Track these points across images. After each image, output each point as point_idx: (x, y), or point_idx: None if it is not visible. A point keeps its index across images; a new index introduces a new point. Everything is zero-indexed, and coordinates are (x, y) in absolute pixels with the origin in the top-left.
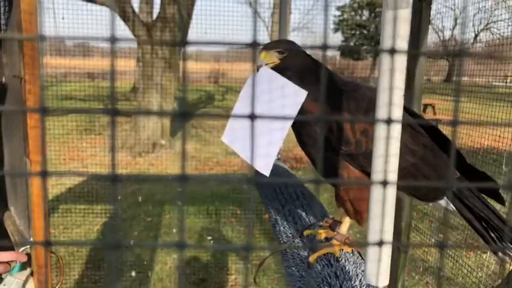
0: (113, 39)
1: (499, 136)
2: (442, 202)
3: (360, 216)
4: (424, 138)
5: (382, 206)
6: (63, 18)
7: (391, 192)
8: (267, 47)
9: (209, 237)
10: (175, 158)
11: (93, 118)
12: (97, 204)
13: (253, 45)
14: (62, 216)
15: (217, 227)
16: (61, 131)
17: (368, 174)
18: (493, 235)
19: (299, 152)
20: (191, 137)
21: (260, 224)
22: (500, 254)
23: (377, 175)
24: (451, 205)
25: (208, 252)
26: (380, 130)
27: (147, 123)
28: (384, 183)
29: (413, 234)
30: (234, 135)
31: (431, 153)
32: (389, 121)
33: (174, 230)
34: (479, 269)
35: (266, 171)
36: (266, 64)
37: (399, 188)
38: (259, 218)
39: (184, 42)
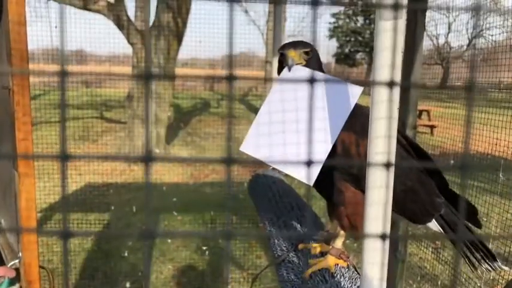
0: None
1: (497, 139)
2: (431, 224)
3: (355, 229)
4: (415, 162)
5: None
6: (56, 27)
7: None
8: (294, 46)
9: (204, 247)
10: (170, 167)
11: (88, 125)
12: (91, 213)
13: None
14: (55, 227)
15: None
16: (55, 139)
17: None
18: (469, 253)
19: None
20: (186, 144)
21: (256, 230)
22: (479, 270)
23: (374, 192)
24: (439, 227)
25: (204, 262)
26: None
27: (142, 130)
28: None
29: (409, 241)
30: (259, 143)
31: (423, 177)
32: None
33: (169, 241)
34: (477, 278)
35: (310, 181)
36: (296, 64)
37: (394, 211)
38: (255, 225)
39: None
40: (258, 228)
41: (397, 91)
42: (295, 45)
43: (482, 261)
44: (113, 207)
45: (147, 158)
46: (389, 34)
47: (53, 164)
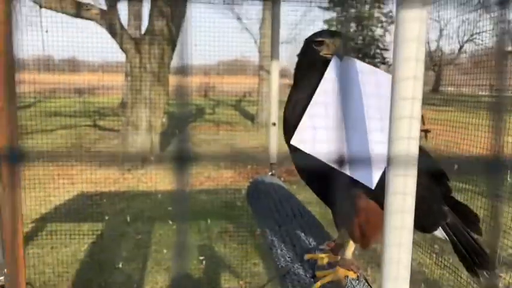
0: None
1: (488, 144)
2: (437, 232)
3: (366, 240)
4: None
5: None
6: (46, 32)
7: (408, 236)
8: (339, 34)
9: (201, 257)
10: (165, 174)
11: (82, 134)
12: (84, 224)
13: None
14: (47, 237)
15: (209, 244)
16: (49, 147)
17: (379, 203)
18: (469, 259)
19: (290, 164)
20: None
21: (253, 238)
22: (481, 277)
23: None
24: (444, 235)
25: (200, 271)
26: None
27: (136, 138)
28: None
29: None
30: (312, 134)
31: (433, 185)
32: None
33: (165, 251)
34: (475, 283)
35: (370, 182)
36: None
37: None
38: (251, 233)
39: None
40: (255, 236)
41: (420, 88)
42: (335, 34)
43: (482, 268)
44: (106, 217)
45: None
46: (412, 24)
47: (45, 173)
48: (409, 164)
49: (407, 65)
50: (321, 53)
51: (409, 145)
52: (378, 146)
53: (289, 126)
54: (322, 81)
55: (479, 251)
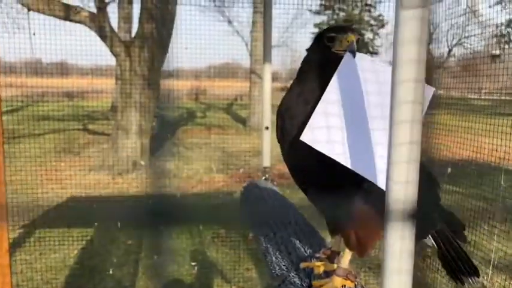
0: None
1: (480, 147)
2: (426, 240)
3: (363, 248)
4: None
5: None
6: (34, 34)
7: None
8: (349, 30)
9: (193, 263)
10: (156, 178)
11: (72, 138)
12: (74, 229)
13: None
14: (36, 243)
15: (201, 248)
16: (38, 152)
17: (375, 209)
18: (455, 266)
19: (282, 167)
20: (172, 154)
21: (245, 243)
22: (466, 283)
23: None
24: (433, 242)
25: (192, 276)
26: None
27: (126, 142)
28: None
29: None
30: (323, 133)
31: (424, 191)
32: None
33: (155, 257)
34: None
35: (377, 179)
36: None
37: None
38: (244, 237)
39: None
40: (247, 241)
41: (421, 90)
42: (348, 29)
43: (468, 275)
44: (96, 223)
45: None
46: (412, 25)
47: (33, 178)
48: (410, 170)
49: (409, 67)
50: (333, 49)
51: (411, 150)
52: (381, 147)
53: (289, 121)
54: (334, 78)
55: (465, 258)
